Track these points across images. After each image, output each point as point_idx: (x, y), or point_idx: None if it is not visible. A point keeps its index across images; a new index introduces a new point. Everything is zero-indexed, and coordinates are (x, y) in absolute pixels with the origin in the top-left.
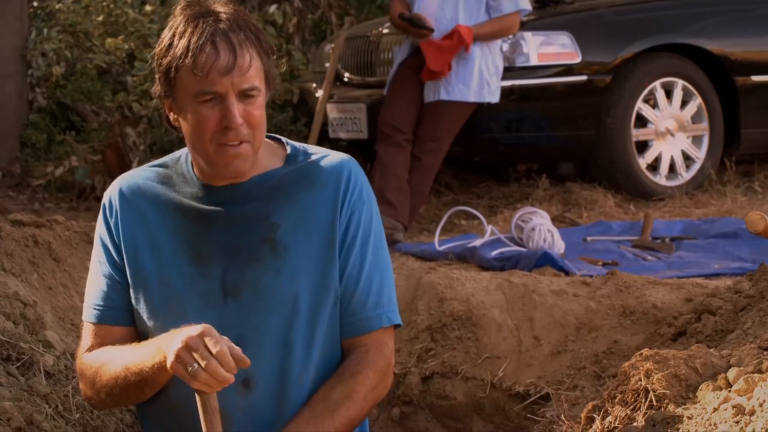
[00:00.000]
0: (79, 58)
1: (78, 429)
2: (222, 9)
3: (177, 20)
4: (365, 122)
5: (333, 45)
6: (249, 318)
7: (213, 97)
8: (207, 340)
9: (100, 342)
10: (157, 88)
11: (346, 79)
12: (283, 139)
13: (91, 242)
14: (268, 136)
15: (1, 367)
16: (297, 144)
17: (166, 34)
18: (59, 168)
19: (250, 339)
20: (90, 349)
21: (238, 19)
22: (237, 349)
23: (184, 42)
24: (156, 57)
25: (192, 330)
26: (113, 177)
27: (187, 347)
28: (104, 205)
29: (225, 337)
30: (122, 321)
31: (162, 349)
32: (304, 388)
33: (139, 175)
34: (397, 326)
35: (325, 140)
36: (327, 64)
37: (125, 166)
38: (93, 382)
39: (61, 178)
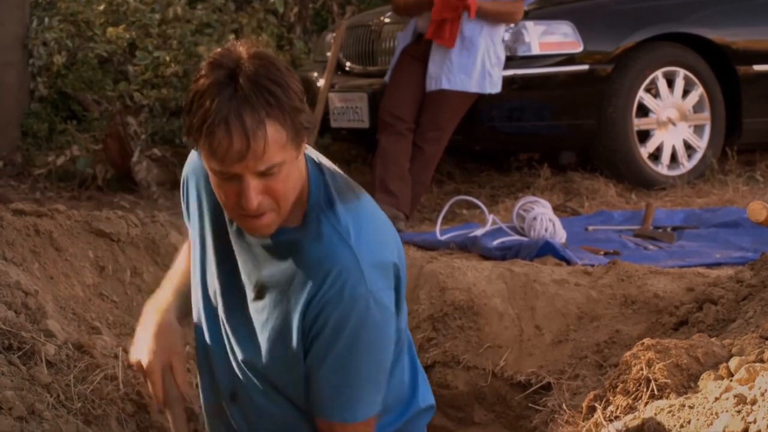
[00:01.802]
0: (81, 48)
1: (80, 418)
2: (245, 69)
3: (202, 78)
4: (366, 111)
5: (334, 34)
6: (236, 343)
7: (229, 176)
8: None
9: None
10: (188, 140)
11: (347, 69)
12: (316, 178)
13: (92, 231)
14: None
15: (2, 356)
16: (322, 193)
17: (192, 87)
18: (60, 157)
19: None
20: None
21: (259, 87)
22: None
23: (200, 116)
24: (185, 105)
25: (138, 353)
26: (114, 166)
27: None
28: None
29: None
30: None
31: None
32: (272, 410)
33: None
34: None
35: (326, 129)
36: (328, 54)
37: (126, 156)
38: None
39: (63, 168)
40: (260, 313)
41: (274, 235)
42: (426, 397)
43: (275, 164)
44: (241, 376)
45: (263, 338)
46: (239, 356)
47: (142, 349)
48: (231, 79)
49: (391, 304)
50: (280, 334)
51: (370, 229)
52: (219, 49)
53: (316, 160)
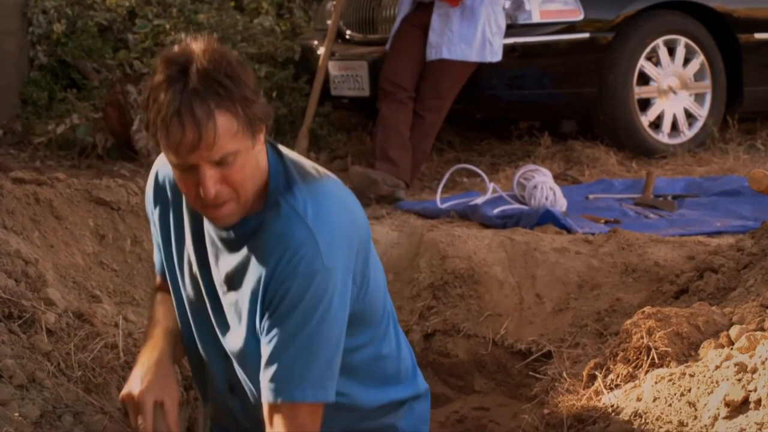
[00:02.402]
0: (80, 16)
1: (80, 387)
2: (196, 63)
3: (156, 74)
4: (367, 80)
5: (334, 2)
6: (216, 332)
7: (187, 167)
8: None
9: (161, 284)
10: (145, 129)
11: (347, 37)
12: (275, 164)
13: (92, 200)
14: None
15: (2, 324)
16: (281, 177)
17: (147, 84)
18: (60, 126)
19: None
20: (157, 286)
21: (209, 80)
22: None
23: (154, 111)
24: (143, 101)
25: (130, 386)
26: (114, 135)
27: (123, 402)
28: (150, 175)
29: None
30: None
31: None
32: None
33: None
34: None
35: (326, 98)
36: (328, 22)
37: (126, 124)
38: None
39: (63, 136)
40: (233, 306)
41: (238, 226)
42: (423, 380)
43: (229, 153)
44: (234, 370)
45: (240, 330)
46: (229, 350)
47: (134, 382)
48: (182, 74)
49: (348, 282)
50: (251, 322)
51: (329, 206)
52: (174, 48)
53: (278, 149)
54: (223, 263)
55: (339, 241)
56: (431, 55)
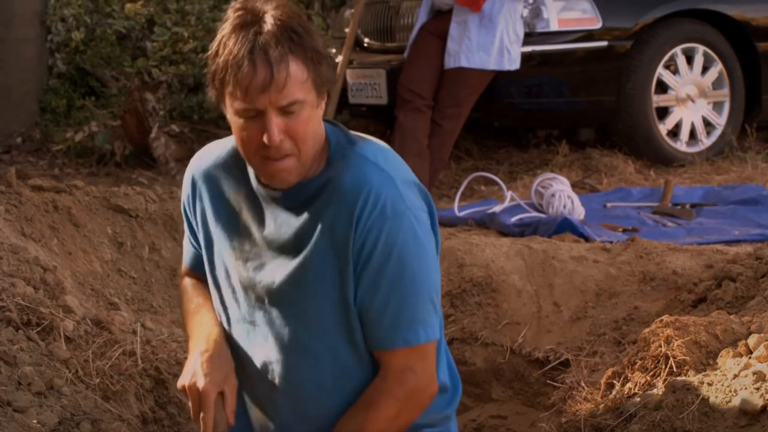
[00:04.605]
0: (99, 24)
1: (98, 394)
2: (270, 14)
3: (225, 25)
4: (385, 88)
5: (353, 10)
6: (269, 318)
7: (253, 113)
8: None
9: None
10: (211, 92)
11: (365, 45)
12: (333, 129)
13: (110, 207)
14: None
15: (21, 332)
16: (341, 136)
17: (216, 37)
18: (79, 133)
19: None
20: (184, 272)
21: (284, 27)
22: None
23: (225, 55)
24: (208, 58)
25: (192, 377)
26: (132, 142)
27: (184, 391)
28: (185, 177)
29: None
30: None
31: (190, 350)
32: (322, 394)
33: (212, 156)
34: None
35: (344, 106)
36: (346, 30)
37: (145, 132)
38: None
39: (81, 144)
40: (303, 272)
41: (300, 189)
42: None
43: (296, 101)
44: (288, 359)
45: (309, 295)
46: (287, 333)
47: (197, 372)
48: (256, 19)
49: (427, 221)
50: (330, 280)
51: (393, 155)
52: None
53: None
54: (281, 230)
55: (411, 183)
56: (449, 63)
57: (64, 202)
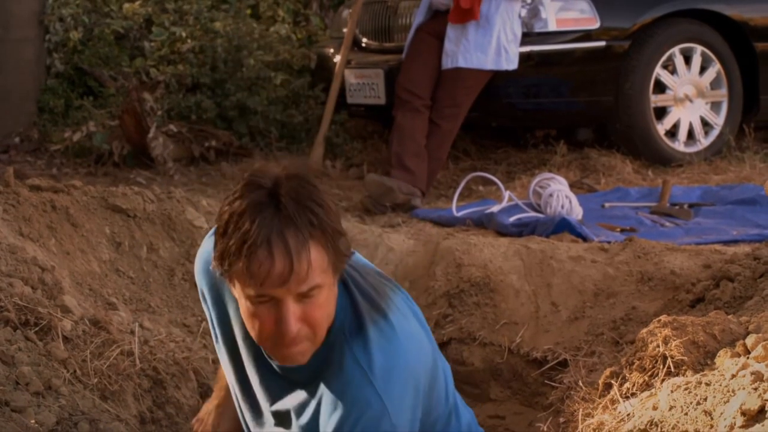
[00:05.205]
0: (97, 24)
1: (96, 394)
2: (287, 185)
3: (237, 198)
4: (383, 88)
5: (351, 10)
6: None
7: (267, 299)
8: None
9: None
10: (216, 267)
11: (363, 45)
12: (342, 300)
13: (108, 207)
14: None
15: (19, 331)
16: (348, 314)
17: (224, 208)
18: (77, 133)
19: None
20: None
21: (302, 207)
22: None
23: (237, 238)
24: (216, 223)
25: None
26: (130, 142)
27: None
28: (196, 269)
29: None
30: None
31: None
32: None
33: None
34: None
35: (342, 106)
36: (345, 30)
37: (143, 132)
38: None
39: (79, 144)
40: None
41: (297, 368)
42: None
43: (316, 285)
44: None
45: None
46: None
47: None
48: (272, 198)
49: (415, 425)
50: None
51: (397, 355)
52: (252, 169)
53: (344, 272)
54: (281, 396)
55: (407, 395)
56: (447, 63)
57: (62, 202)
